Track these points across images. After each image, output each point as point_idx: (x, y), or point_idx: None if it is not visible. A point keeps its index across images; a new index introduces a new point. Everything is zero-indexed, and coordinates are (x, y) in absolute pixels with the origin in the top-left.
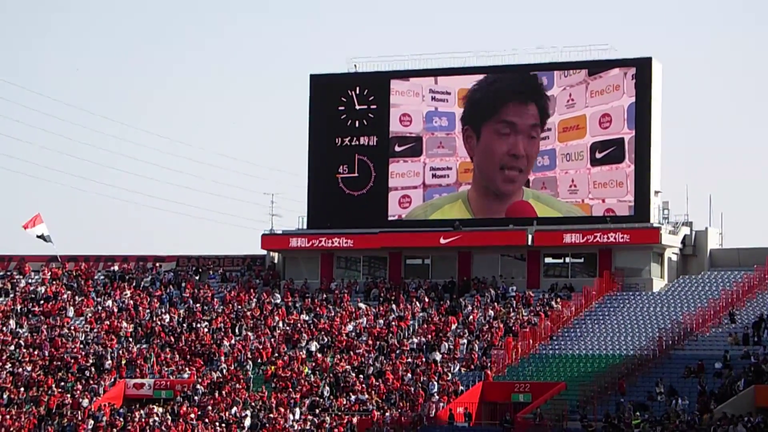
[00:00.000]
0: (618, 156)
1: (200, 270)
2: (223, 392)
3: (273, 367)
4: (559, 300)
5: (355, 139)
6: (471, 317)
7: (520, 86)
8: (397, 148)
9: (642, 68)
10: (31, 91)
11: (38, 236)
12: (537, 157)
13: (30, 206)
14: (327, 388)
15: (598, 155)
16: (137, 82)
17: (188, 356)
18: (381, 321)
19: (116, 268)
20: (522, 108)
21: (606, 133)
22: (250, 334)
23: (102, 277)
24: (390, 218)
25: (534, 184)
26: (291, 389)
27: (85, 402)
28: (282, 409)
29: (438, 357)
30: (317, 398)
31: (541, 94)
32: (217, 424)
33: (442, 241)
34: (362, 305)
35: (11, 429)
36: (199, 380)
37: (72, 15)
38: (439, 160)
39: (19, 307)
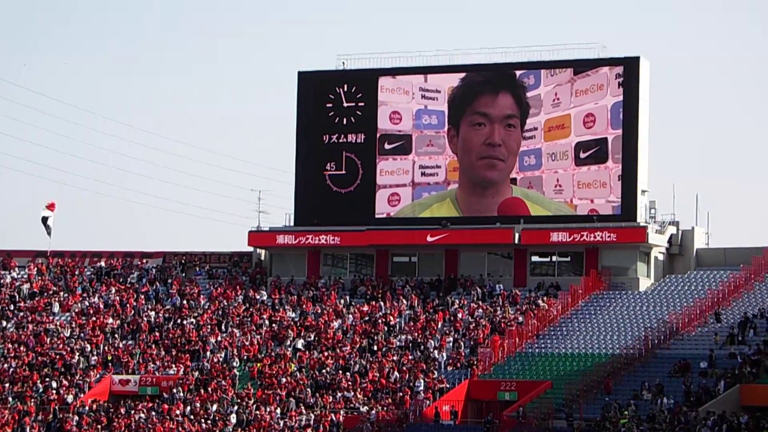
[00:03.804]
0: (602, 156)
1: (186, 266)
2: (209, 389)
3: (259, 365)
4: (545, 299)
5: (342, 136)
6: (458, 315)
7: (491, 79)
8: (387, 146)
9: (630, 67)
10: (17, 85)
11: (44, 219)
12: (523, 156)
13: (15, 201)
14: (312, 385)
15: (583, 155)
16: (124, 79)
17: (174, 353)
18: (367, 318)
19: (102, 264)
20: (493, 98)
21: (590, 132)
22: (236, 331)
23: (88, 273)
24: (378, 216)
25: (521, 183)
26: (277, 386)
27: (70, 398)
28: (268, 407)
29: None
30: (303, 395)
31: (516, 85)
32: (203, 420)
33: (429, 239)
34: (342, 300)
35: None
36: (185, 377)
37: (65, 16)
38: (428, 158)
39: (4, 302)
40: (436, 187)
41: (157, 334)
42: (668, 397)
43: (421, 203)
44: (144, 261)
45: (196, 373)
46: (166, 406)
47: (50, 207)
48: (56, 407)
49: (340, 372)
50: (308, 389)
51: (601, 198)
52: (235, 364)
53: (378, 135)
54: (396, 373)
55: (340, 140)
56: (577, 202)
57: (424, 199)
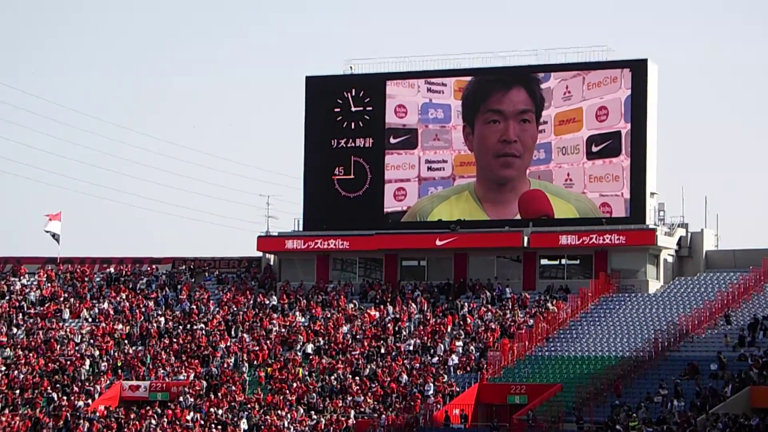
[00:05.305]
0: (614, 149)
1: (196, 272)
2: (219, 394)
3: (269, 369)
4: (554, 301)
5: (350, 140)
6: (467, 319)
7: (504, 75)
8: (392, 140)
9: (637, 70)
10: (29, 94)
11: (48, 232)
12: (534, 149)
13: (25, 208)
14: (322, 389)
15: (595, 149)
16: (133, 85)
17: (184, 358)
18: (376, 322)
19: (112, 270)
20: (505, 94)
21: (602, 126)
22: (246, 336)
23: (98, 280)
24: (386, 210)
25: (530, 176)
26: (287, 391)
27: (80, 404)
28: (278, 411)
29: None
30: (313, 400)
31: (529, 79)
32: (213, 426)
33: (438, 242)
34: (351, 305)
35: None
36: (195, 382)
37: (73, 23)
38: (434, 153)
39: (14, 309)
40: (443, 182)
41: (166, 339)
42: (679, 399)
43: (439, 195)
44: (153, 267)
45: (206, 379)
46: (171, 412)
47: (55, 217)
48: (67, 414)
49: (350, 376)
50: (316, 394)
51: (613, 192)
52: (244, 369)
53: (384, 130)
54: (406, 377)
55: (349, 145)
56: (589, 195)
57: (442, 191)
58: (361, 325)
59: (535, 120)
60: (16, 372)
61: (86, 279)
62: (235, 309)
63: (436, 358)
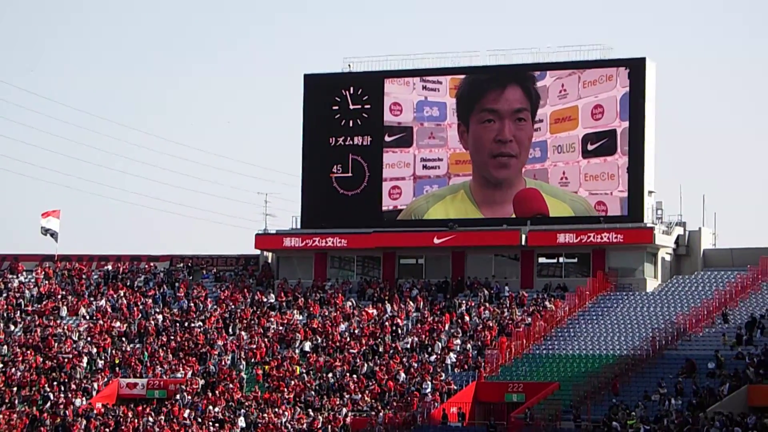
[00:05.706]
0: (610, 148)
1: (194, 269)
2: (217, 392)
3: (267, 367)
4: (552, 300)
5: (349, 138)
6: (465, 317)
7: (498, 74)
8: (387, 138)
9: (636, 68)
10: (24, 90)
11: (45, 229)
12: (530, 147)
13: (23, 206)
14: (319, 387)
15: (590, 147)
16: (129, 83)
17: (182, 356)
18: (374, 320)
19: (110, 267)
20: (500, 93)
21: (598, 124)
22: (243, 334)
23: (95, 277)
24: (384, 209)
25: (525, 174)
26: (284, 389)
27: (78, 402)
28: (275, 409)
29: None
30: (311, 398)
31: (524, 77)
32: (211, 424)
33: (436, 241)
34: (349, 303)
35: (4, 429)
36: (193, 380)
37: (74, 23)
38: (429, 151)
39: (11, 306)
40: (438, 180)
41: (164, 337)
42: (676, 398)
43: (435, 194)
44: (151, 264)
45: (203, 377)
46: (169, 410)
47: (50, 214)
48: (64, 411)
49: (348, 374)
50: (313, 392)
51: (608, 190)
52: (242, 367)
53: (383, 127)
54: (403, 375)
55: (347, 143)
56: (584, 194)
57: (438, 190)
58: (359, 323)
59: (531, 118)
60: (13, 369)
61: (84, 276)
62: (233, 307)
63: (434, 356)
